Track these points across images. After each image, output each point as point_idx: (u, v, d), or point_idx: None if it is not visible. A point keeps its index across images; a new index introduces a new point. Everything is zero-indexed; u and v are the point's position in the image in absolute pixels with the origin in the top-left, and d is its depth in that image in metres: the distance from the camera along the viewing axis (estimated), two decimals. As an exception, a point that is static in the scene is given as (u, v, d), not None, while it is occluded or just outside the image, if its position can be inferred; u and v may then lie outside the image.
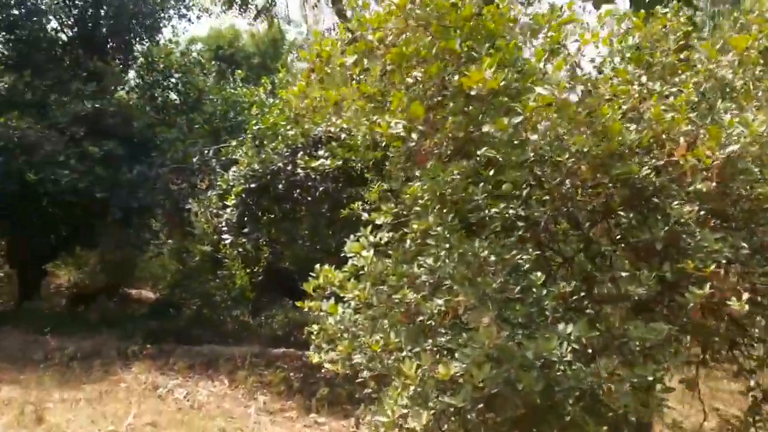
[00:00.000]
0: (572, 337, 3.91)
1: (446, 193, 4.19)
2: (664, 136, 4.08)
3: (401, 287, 4.52)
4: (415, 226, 4.81)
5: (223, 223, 12.45)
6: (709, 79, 4.38)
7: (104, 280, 19.11)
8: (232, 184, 12.42)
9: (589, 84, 4.50)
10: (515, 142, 4.00)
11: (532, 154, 3.92)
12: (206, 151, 13.85)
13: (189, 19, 16.57)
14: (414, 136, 3.96)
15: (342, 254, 4.95)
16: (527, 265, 4.61)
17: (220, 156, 14.01)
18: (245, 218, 12.30)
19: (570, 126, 4.32)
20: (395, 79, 4.32)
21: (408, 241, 4.82)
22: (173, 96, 16.10)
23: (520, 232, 4.77)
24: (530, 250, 4.68)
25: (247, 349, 13.51)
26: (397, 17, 4.44)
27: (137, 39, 16.33)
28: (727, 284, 4.08)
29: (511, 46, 3.87)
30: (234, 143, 13.48)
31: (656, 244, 3.96)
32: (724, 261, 3.88)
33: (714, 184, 4.09)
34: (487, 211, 4.80)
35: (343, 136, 11.70)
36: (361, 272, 4.58)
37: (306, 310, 4.96)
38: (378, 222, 4.97)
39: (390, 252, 4.87)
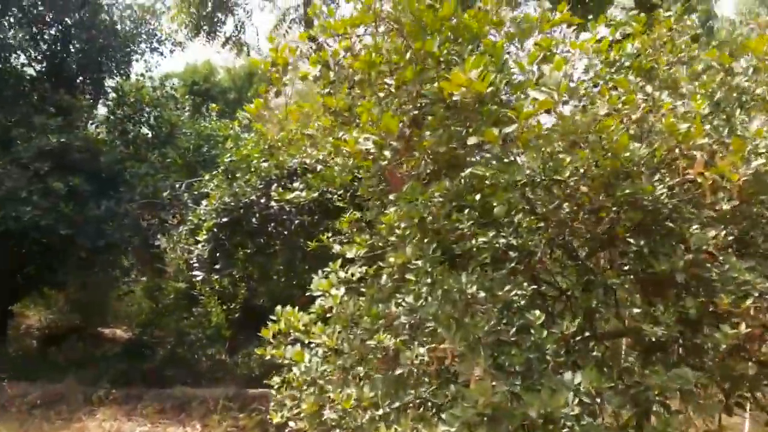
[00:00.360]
0: (582, 388, 3.21)
1: (426, 219, 3.49)
2: (677, 151, 3.43)
3: (376, 330, 3.80)
4: (391, 260, 4.12)
5: (194, 260, 11.63)
6: (721, 86, 3.77)
7: (76, 319, 18.11)
8: (203, 218, 11.66)
9: (585, 97, 3.89)
10: (506, 160, 3.32)
11: (528, 171, 3.25)
12: (177, 186, 13.08)
13: (161, 53, 15.91)
14: (387, 153, 3.28)
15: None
16: (522, 302, 3.92)
17: (192, 190, 13.26)
18: (217, 254, 11.51)
19: (566, 141, 3.68)
20: (365, 92, 3.65)
21: (384, 277, 4.11)
22: (145, 130, 15.34)
23: (512, 264, 4.08)
24: (525, 284, 3.99)
25: (222, 390, 12.59)
26: (364, 22, 3.80)
27: (108, 73, 15.61)
28: (757, 321, 3.41)
29: (499, 45, 3.23)
30: (207, 177, 12.75)
31: (676, 275, 3.28)
32: (756, 294, 3.21)
33: (735, 204, 3.46)
34: (474, 241, 4.12)
35: (318, 167, 11.10)
36: (329, 314, 3.85)
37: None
38: (349, 255, 4.25)
39: (363, 289, 4.15)
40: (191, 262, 11.84)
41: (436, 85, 3.28)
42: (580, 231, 4.02)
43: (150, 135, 15.27)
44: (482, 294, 3.70)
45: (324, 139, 3.86)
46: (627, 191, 3.53)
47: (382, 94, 3.71)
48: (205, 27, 13.83)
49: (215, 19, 13.55)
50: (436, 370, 3.29)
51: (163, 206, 13.14)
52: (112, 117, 15.09)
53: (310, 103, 3.80)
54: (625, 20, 3.98)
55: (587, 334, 3.94)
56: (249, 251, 12.43)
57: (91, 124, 15.33)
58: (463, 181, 3.47)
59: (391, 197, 3.49)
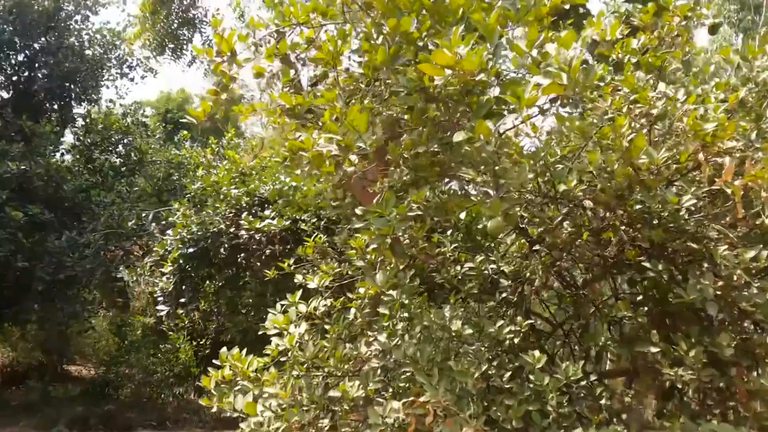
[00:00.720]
0: (597, 452, 2.55)
1: (402, 241, 2.83)
2: (700, 156, 2.83)
3: (342, 377, 3.10)
4: (361, 290, 3.44)
5: (159, 293, 10.82)
6: (746, 83, 3.20)
7: (38, 357, 17.00)
8: (169, 249, 10.89)
9: (583, 101, 3.29)
10: (497, 168, 2.68)
11: (532, 176, 2.61)
12: (144, 215, 12.30)
13: (132, 79, 15.24)
14: (353, 158, 2.64)
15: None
16: (515, 339, 3.25)
17: (160, 220, 12.51)
18: (183, 287, 10.72)
19: (568, 147, 3.07)
20: (329, 89, 3.01)
21: (352, 311, 3.43)
22: (113, 158, 14.58)
23: (503, 295, 3.43)
24: (519, 318, 3.34)
25: (187, 434, 11.68)
26: (329, 14, 3.18)
27: (76, 99, 14.87)
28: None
29: (491, 22, 2.61)
30: (176, 206, 12.03)
31: (707, 306, 2.64)
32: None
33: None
34: (458, 268, 3.47)
35: (291, 193, 10.45)
36: (284, 357, 3.15)
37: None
38: (311, 286, 3.57)
39: (328, 327, 3.45)
40: (156, 295, 11.04)
41: (414, 74, 2.65)
42: (584, 255, 3.38)
43: (118, 163, 14.50)
44: (469, 331, 3.05)
45: (278, 143, 3.19)
46: (642, 205, 2.92)
47: (350, 89, 3.08)
48: (170, 45, 13.14)
49: (181, 37, 12.82)
50: (415, 430, 2.59)
51: (129, 237, 12.32)
52: (78, 144, 14.32)
53: (263, 103, 3.15)
54: (629, 12, 3.42)
55: (593, 378, 3.28)
56: (219, 283, 11.68)
57: (57, 151, 14.53)
58: (445, 192, 2.82)
59: (357, 212, 2.83)
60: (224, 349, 3.30)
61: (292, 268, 4.08)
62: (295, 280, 3.96)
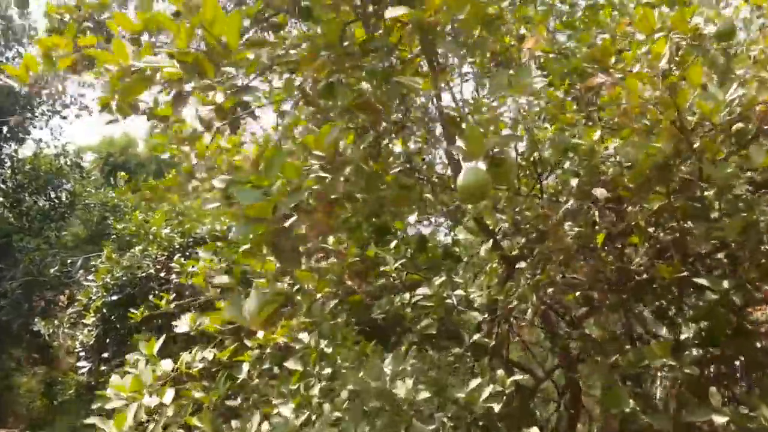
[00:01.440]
0: None
1: (307, 239, 1.59)
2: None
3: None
4: (260, 334, 2.21)
5: (79, 347, 9.24)
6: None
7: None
8: (93, 298, 9.39)
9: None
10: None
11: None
12: (70, 262, 10.77)
13: (65, 117, 13.83)
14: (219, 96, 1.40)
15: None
16: (496, 406, 2.02)
17: (89, 267, 10.99)
18: (107, 339, 9.17)
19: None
20: None
21: (245, 367, 2.16)
22: (42, 201, 13.03)
23: (476, 337, 2.20)
24: (499, 373, 2.13)
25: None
26: None
27: (3, 139, 13.34)
28: None
29: None
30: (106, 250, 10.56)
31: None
32: None
33: None
34: (407, 296, 2.27)
35: (231, 234, 9.19)
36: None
37: None
38: (180, 330, 2.31)
39: (212, 389, 2.17)
40: (76, 350, 9.46)
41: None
42: (591, 274, 2.20)
43: (47, 206, 12.97)
44: (425, 394, 1.82)
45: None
46: (689, 190, 1.78)
47: None
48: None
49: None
50: None
51: (53, 285, 10.75)
52: (3, 186, 12.78)
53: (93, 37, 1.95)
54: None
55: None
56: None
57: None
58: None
59: (216, 183, 1.57)
60: None
61: (172, 306, 2.81)
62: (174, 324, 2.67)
